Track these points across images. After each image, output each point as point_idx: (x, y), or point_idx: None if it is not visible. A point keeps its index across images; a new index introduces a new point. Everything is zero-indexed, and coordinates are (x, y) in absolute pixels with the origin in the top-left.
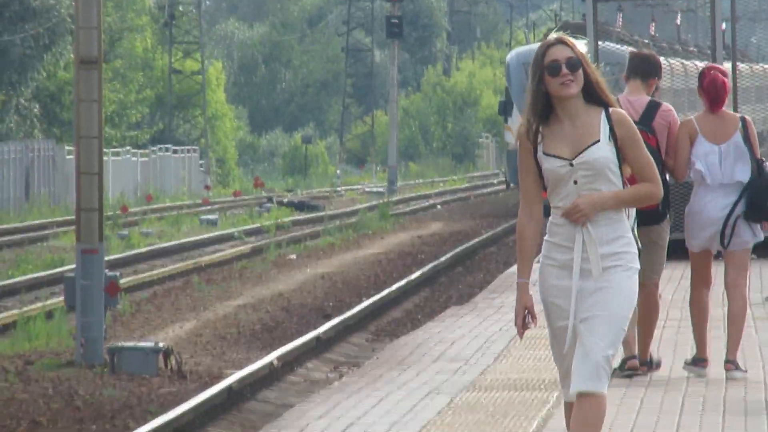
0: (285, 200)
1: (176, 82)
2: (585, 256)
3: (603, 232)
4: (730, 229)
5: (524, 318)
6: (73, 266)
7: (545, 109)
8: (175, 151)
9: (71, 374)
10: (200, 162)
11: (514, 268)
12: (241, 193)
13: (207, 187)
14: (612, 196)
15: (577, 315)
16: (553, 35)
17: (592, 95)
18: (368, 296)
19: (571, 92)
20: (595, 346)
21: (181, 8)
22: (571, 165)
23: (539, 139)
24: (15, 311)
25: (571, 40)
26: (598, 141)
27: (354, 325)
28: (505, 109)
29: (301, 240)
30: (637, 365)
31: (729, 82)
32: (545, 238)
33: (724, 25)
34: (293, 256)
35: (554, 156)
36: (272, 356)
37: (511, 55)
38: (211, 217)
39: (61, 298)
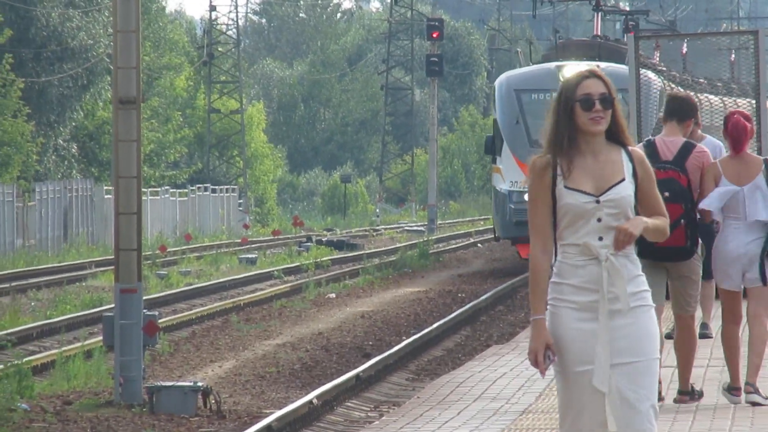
0: (324, 239)
1: (215, 121)
2: (611, 296)
3: (627, 269)
4: (757, 266)
5: (545, 355)
6: (112, 306)
7: (571, 142)
8: (213, 191)
9: (110, 414)
10: (239, 201)
11: None
12: (280, 232)
13: (246, 226)
14: (649, 221)
15: (607, 360)
16: (584, 67)
17: (614, 134)
18: (408, 335)
19: (600, 129)
20: (642, 397)
21: (219, 48)
22: (598, 202)
23: (558, 172)
24: (54, 351)
25: (604, 74)
26: (624, 180)
27: (394, 364)
28: (493, 146)
29: (341, 279)
30: (682, 399)
31: (751, 125)
32: (554, 279)
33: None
34: (332, 295)
35: (579, 191)
36: (312, 395)
37: (500, 81)
38: (250, 256)
39: (100, 338)
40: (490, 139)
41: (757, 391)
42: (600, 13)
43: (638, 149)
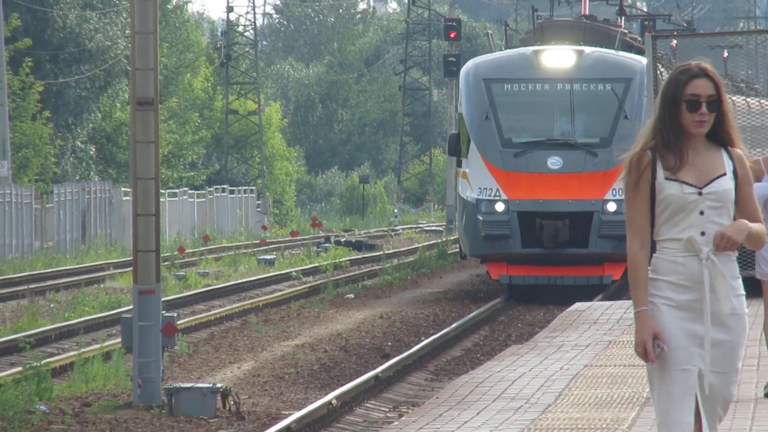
0: (342, 240)
1: (233, 122)
2: (712, 295)
3: (729, 268)
4: None
5: (654, 344)
6: (130, 307)
7: (674, 138)
8: (231, 192)
9: (129, 416)
10: (257, 202)
11: (575, 306)
12: (299, 233)
13: (264, 227)
14: (752, 227)
15: (707, 363)
16: (692, 63)
17: (716, 133)
18: (427, 335)
19: (703, 131)
20: (725, 401)
21: (237, 49)
22: (700, 194)
23: (659, 165)
24: (72, 353)
25: (715, 72)
26: (725, 174)
27: (413, 364)
28: (458, 146)
29: (359, 279)
30: None
31: None
32: (651, 275)
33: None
34: (351, 296)
35: (681, 182)
36: (331, 396)
37: (467, 68)
38: (268, 257)
39: (119, 340)
40: (455, 137)
41: None
42: None
43: (740, 151)
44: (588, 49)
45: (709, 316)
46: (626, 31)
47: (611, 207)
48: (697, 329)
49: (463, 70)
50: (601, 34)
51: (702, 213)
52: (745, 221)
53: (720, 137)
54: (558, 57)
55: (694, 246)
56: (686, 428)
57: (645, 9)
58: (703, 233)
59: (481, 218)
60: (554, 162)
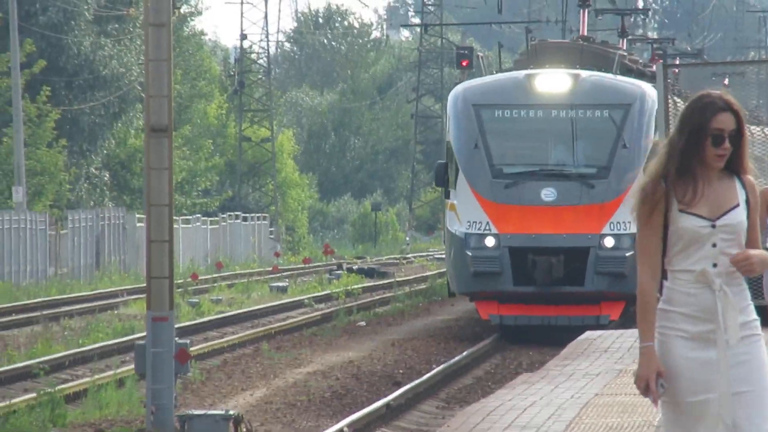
0: (355, 267)
1: (246, 150)
2: (724, 325)
3: (739, 299)
4: None
5: (657, 383)
6: (144, 334)
7: (694, 169)
8: (244, 219)
9: None
10: (270, 229)
11: (586, 335)
12: (311, 260)
13: (277, 254)
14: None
15: (726, 388)
16: (714, 93)
17: (733, 161)
18: (438, 363)
19: (721, 165)
20: (752, 425)
21: (250, 76)
22: (713, 226)
23: (673, 196)
24: (86, 379)
25: (739, 106)
26: (738, 205)
27: (424, 392)
28: (446, 176)
29: (371, 307)
30: None
31: None
32: (663, 306)
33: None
34: (363, 323)
35: (694, 215)
36: (342, 424)
37: (455, 93)
38: (281, 284)
39: (132, 366)
40: (442, 167)
41: None
42: (587, 11)
43: (751, 178)
44: (584, 73)
45: (723, 345)
46: (625, 53)
47: (609, 242)
48: (711, 356)
49: (451, 95)
50: (598, 56)
51: (715, 245)
52: (762, 251)
53: (734, 166)
54: (552, 81)
55: (707, 278)
56: None
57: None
58: (715, 265)
59: (470, 254)
60: (548, 194)
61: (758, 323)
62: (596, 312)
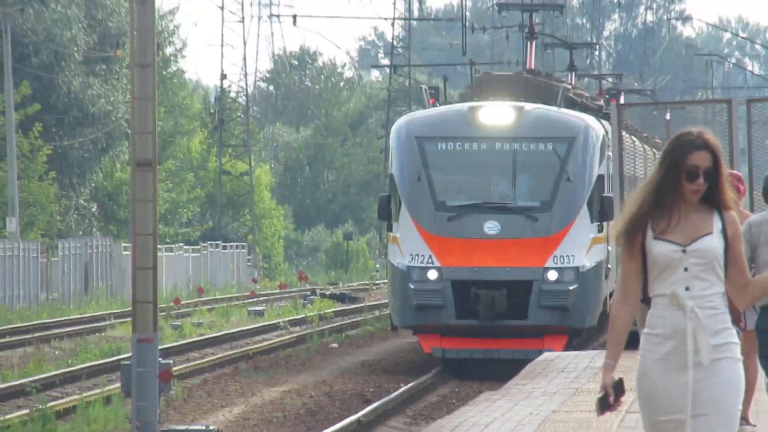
0: (327, 293)
1: (226, 182)
2: (694, 347)
3: (712, 321)
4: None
5: (603, 398)
6: (129, 354)
7: (669, 202)
8: (224, 247)
9: None
10: (248, 257)
11: (545, 356)
12: (287, 286)
13: (254, 280)
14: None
15: (690, 410)
16: (694, 131)
17: (710, 197)
18: (406, 382)
19: (696, 199)
20: None
21: (229, 113)
22: (684, 251)
23: (649, 226)
24: (75, 397)
25: (714, 142)
26: (711, 233)
27: (392, 409)
28: (388, 208)
29: (343, 330)
30: None
31: (744, 186)
32: (645, 331)
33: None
34: (335, 345)
35: (666, 241)
36: None
37: (398, 126)
38: (258, 308)
39: (118, 385)
40: (385, 199)
41: (748, 423)
42: (534, 42)
43: (733, 213)
44: (528, 106)
45: (692, 366)
46: (570, 86)
47: (552, 275)
48: (684, 379)
49: (394, 128)
50: (543, 89)
51: (686, 269)
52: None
53: (712, 201)
54: (496, 114)
55: (679, 300)
56: None
57: (612, 81)
58: (687, 288)
59: (412, 287)
60: (491, 227)
61: (735, 347)
62: (539, 345)
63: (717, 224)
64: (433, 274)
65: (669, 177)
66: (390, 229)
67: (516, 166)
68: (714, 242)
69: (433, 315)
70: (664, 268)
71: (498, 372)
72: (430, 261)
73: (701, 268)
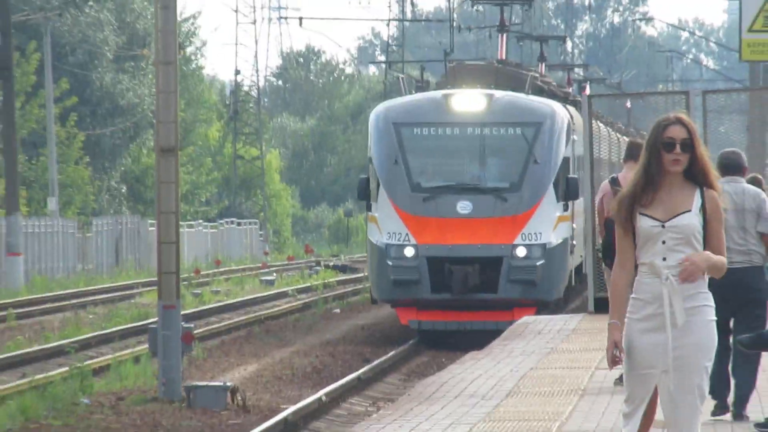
0: (330, 264)
1: (240, 166)
2: (671, 310)
3: (684, 288)
4: None
5: (613, 352)
6: (156, 319)
7: (655, 177)
8: (238, 224)
9: (155, 408)
10: (260, 233)
11: (524, 319)
12: (294, 258)
13: (265, 253)
14: (714, 258)
15: (664, 365)
16: (670, 114)
17: (694, 174)
18: (401, 343)
19: (678, 170)
20: (683, 395)
21: (242, 105)
22: (663, 227)
23: (638, 202)
24: (108, 356)
25: (690, 121)
26: (689, 210)
27: (389, 367)
28: (367, 190)
29: (344, 297)
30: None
31: None
32: (632, 295)
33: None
34: (338, 310)
35: (649, 216)
36: (321, 393)
37: (376, 112)
38: (269, 278)
39: (146, 346)
40: (364, 181)
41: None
42: (506, 35)
43: (714, 192)
44: (498, 93)
45: (669, 327)
46: (537, 75)
47: (521, 252)
48: (660, 339)
49: (372, 114)
50: (512, 77)
51: (664, 242)
52: (710, 253)
53: (697, 178)
54: (468, 101)
55: (655, 269)
56: (639, 419)
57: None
58: (664, 258)
59: (390, 263)
60: (464, 206)
61: (708, 309)
62: (509, 318)
63: (697, 202)
64: (409, 251)
65: (652, 155)
66: (369, 209)
67: (486, 149)
68: (691, 219)
69: (410, 289)
70: (646, 240)
71: (471, 342)
72: (406, 239)
73: (677, 242)
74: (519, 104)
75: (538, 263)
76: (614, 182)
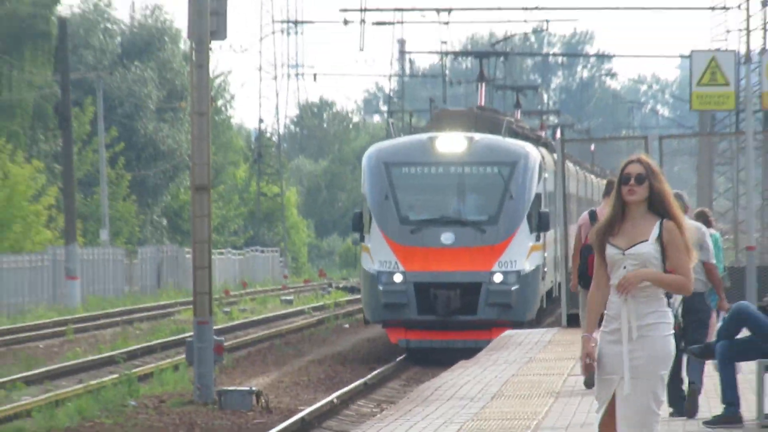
0: (341, 285)
1: (263, 202)
2: (628, 326)
3: (641, 308)
4: None
5: (587, 363)
6: (192, 333)
7: (621, 210)
8: (262, 251)
9: (191, 409)
10: (280, 259)
11: (506, 333)
12: (310, 281)
13: (285, 277)
14: (652, 273)
15: (622, 373)
16: (633, 156)
17: (655, 206)
18: (401, 354)
19: (633, 199)
20: (637, 398)
21: (266, 149)
22: (623, 254)
23: (608, 232)
24: (152, 365)
25: (647, 160)
26: (646, 240)
27: (391, 374)
28: (361, 223)
29: (353, 314)
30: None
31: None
32: (605, 311)
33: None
34: (347, 326)
35: (614, 245)
36: (333, 396)
37: (369, 153)
38: (288, 297)
39: (184, 356)
40: (358, 215)
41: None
42: (484, 84)
43: (672, 222)
44: (478, 136)
45: (627, 340)
46: (513, 120)
47: (498, 278)
48: (620, 350)
49: (366, 154)
50: (490, 122)
51: (625, 267)
52: (648, 271)
53: (658, 210)
54: (451, 143)
55: (618, 290)
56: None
57: (552, 116)
58: None
59: (381, 288)
60: (447, 237)
61: (662, 326)
62: (487, 336)
63: (655, 232)
64: (398, 278)
65: (617, 189)
66: (362, 240)
67: (467, 186)
68: (648, 248)
69: (399, 311)
70: (611, 265)
71: (453, 358)
72: (396, 266)
73: (636, 267)
74: (496, 146)
75: (513, 288)
76: (592, 215)
